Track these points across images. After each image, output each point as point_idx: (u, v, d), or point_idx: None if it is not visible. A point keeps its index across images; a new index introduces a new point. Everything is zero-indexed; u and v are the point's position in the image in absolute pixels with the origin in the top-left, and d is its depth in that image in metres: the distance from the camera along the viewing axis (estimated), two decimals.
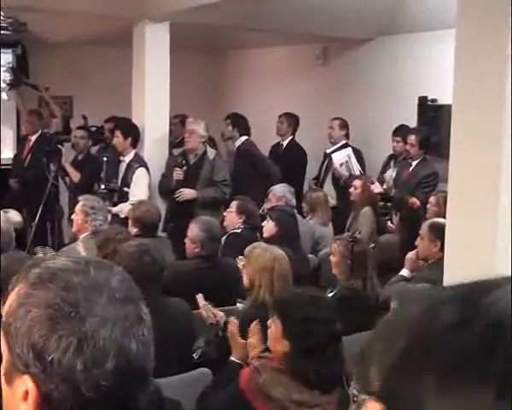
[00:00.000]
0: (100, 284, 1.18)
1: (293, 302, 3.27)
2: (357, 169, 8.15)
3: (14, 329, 1.15)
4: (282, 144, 9.04)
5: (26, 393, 1.13)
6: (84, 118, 9.13)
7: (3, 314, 1.21)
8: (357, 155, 8.35)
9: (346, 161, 8.17)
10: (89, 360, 1.11)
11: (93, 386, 1.11)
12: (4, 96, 10.74)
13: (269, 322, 3.31)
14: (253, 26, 8.36)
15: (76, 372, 1.10)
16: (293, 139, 8.99)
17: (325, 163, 8.64)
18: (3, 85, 10.56)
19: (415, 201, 7.07)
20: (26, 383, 1.13)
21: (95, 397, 1.12)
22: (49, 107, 9.77)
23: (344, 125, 8.54)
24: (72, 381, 1.11)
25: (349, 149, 8.34)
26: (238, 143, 8.30)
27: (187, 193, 7.23)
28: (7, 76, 10.58)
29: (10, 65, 10.51)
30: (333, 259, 5.01)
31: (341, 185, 8.14)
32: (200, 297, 4.66)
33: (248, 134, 8.39)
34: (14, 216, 5.54)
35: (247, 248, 4.56)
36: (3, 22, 7.05)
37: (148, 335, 1.20)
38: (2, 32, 7.15)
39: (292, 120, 8.99)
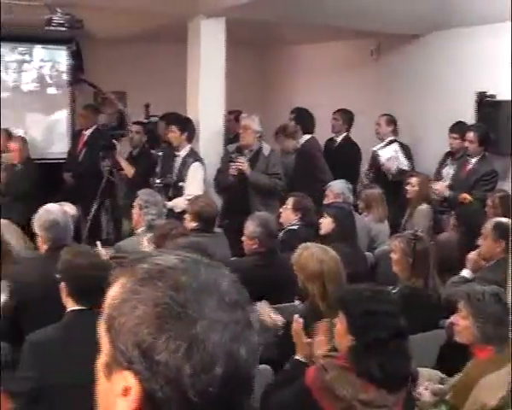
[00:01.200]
0: (210, 286, 1.15)
1: (356, 296, 3.23)
2: (404, 164, 8.05)
3: (119, 324, 1.13)
4: (336, 140, 8.97)
5: (127, 389, 1.11)
6: (147, 106, 9.17)
7: (105, 307, 1.19)
8: (405, 151, 8.25)
9: (394, 156, 8.08)
10: (198, 365, 1.08)
11: (200, 391, 1.08)
12: (54, 90, 10.92)
13: (335, 319, 3.28)
14: (307, 22, 8.31)
15: (184, 376, 1.07)
16: (347, 135, 8.91)
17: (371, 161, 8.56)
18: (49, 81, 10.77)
19: (465, 196, 6.99)
20: (127, 380, 1.11)
21: (200, 402, 1.08)
22: (107, 101, 9.89)
23: (391, 122, 8.44)
24: (179, 384, 1.08)
25: (395, 144, 8.24)
26: (302, 140, 8.23)
27: (242, 162, 7.24)
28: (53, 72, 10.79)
29: (69, 62, 10.68)
30: (394, 256, 4.93)
31: (389, 182, 8.03)
32: (260, 304, 4.61)
33: (312, 131, 8.32)
34: (70, 209, 5.54)
35: (294, 255, 4.49)
36: (60, 19, 7.09)
37: (256, 341, 1.16)
38: (59, 28, 7.19)
39: (347, 117, 8.91)
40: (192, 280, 1.13)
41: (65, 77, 11.01)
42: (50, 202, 5.06)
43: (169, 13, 7.70)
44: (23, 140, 9.41)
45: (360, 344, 3.06)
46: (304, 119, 8.35)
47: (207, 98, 7.82)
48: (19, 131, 10.15)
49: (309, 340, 3.75)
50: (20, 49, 10.83)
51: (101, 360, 1.18)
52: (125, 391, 1.11)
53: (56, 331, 3.62)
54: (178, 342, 1.08)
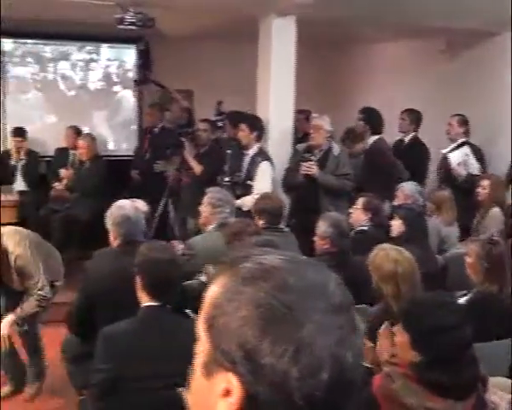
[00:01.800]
0: (316, 287, 1.12)
1: (419, 311, 3.14)
2: (475, 168, 7.90)
3: (221, 324, 1.11)
4: (404, 140, 8.85)
5: (228, 391, 1.09)
6: (219, 103, 9.19)
7: (205, 306, 1.17)
8: (477, 153, 8.08)
9: (464, 160, 7.93)
10: (304, 369, 1.05)
11: (306, 395, 1.05)
12: (120, 88, 11.07)
13: (395, 329, 3.22)
14: (380, 19, 8.20)
15: (290, 379, 1.05)
16: (415, 136, 8.77)
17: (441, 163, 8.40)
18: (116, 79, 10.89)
19: None
20: (229, 381, 1.08)
21: (305, 406, 1.06)
22: (174, 100, 9.96)
23: (463, 122, 8.23)
24: (285, 387, 1.05)
25: (466, 147, 8.07)
26: (370, 141, 8.16)
27: (310, 167, 7.20)
28: (120, 71, 10.94)
29: (137, 61, 10.80)
30: (468, 260, 4.81)
31: (457, 185, 7.84)
32: None
33: (381, 132, 8.23)
34: (142, 206, 5.59)
35: (370, 256, 4.45)
36: (132, 18, 7.13)
37: (361, 345, 1.14)
38: (130, 27, 7.23)
39: (414, 117, 8.76)
40: (299, 281, 1.11)
41: (131, 75, 11.17)
42: (117, 199, 5.12)
43: (240, 11, 7.69)
44: (91, 137, 9.55)
45: (426, 360, 2.99)
46: (372, 119, 8.25)
47: (278, 97, 7.80)
48: (85, 129, 10.31)
49: (372, 345, 3.70)
50: (88, 48, 11.03)
51: (200, 358, 1.16)
52: (227, 393, 1.09)
53: (130, 326, 3.65)
54: (284, 345, 1.05)
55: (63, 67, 10.99)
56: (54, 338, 5.49)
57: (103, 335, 3.62)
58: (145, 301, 3.69)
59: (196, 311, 4.50)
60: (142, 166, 9.53)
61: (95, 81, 11.15)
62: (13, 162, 9.60)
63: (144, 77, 10.30)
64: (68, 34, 10.44)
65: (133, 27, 7.15)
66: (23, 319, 5.31)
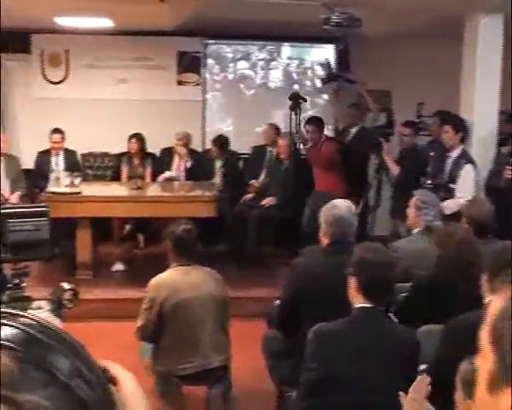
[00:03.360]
0: None
1: None
2: None
3: (508, 338, 1.10)
4: None
5: None
6: (420, 104, 9.05)
7: (490, 319, 1.15)
8: None
9: None
10: None
11: None
12: (297, 86, 11.09)
13: None
14: None
15: None
16: None
17: None
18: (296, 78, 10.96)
19: None
20: None
21: None
22: (364, 100, 9.88)
23: None
24: None
25: None
26: None
27: None
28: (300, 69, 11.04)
29: (326, 60, 10.81)
30: None
31: None
32: None
33: None
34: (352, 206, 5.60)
35: None
36: (338, 18, 7.09)
37: None
38: (336, 28, 7.19)
39: None
40: None
41: (310, 74, 11.29)
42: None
43: (446, 10, 7.51)
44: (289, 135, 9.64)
45: None
46: None
47: (482, 98, 7.60)
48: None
49: None
50: (269, 47, 11.28)
51: (484, 373, 1.15)
52: None
53: (343, 326, 3.65)
54: None
55: (243, 66, 11.27)
56: (254, 334, 5.56)
57: (315, 334, 3.64)
58: (359, 302, 3.66)
59: (399, 315, 4.40)
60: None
61: (275, 80, 11.33)
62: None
63: (331, 74, 10.25)
64: (253, 34, 10.72)
65: (339, 28, 7.11)
66: None
